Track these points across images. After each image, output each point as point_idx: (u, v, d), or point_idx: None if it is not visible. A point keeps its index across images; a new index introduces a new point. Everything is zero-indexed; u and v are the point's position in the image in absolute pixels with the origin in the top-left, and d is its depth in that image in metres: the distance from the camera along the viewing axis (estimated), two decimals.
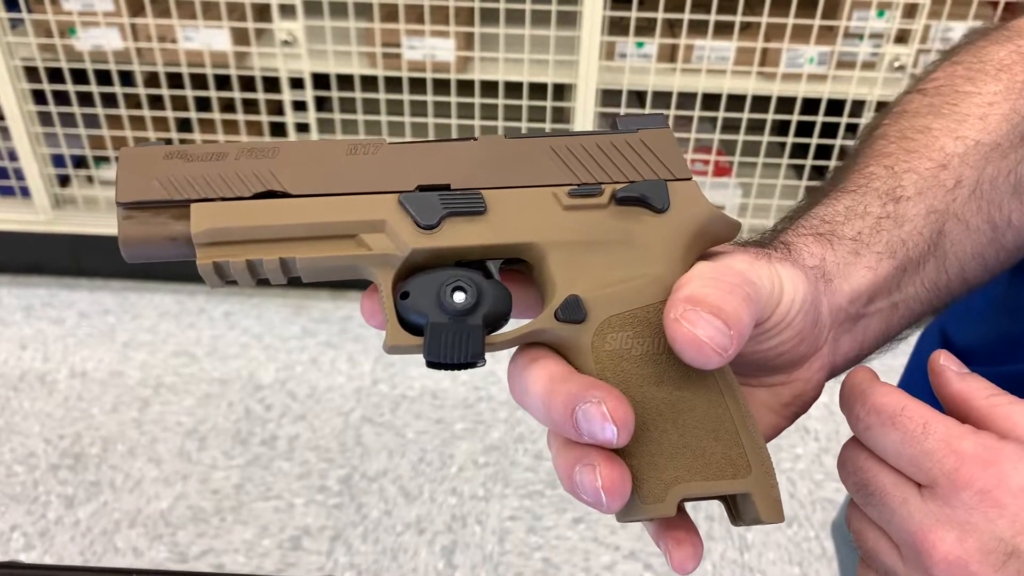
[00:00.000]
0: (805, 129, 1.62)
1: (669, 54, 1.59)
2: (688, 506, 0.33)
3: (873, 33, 1.52)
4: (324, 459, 1.51)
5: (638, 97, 1.65)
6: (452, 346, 0.31)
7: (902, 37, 1.53)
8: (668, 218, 0.33)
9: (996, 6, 1.50)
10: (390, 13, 1.55)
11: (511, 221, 0.32)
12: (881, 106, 1.56)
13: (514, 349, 0.33)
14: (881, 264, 0.38)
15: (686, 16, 1.48)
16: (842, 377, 0.36)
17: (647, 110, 1.57)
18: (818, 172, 1.69)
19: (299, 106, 1.63)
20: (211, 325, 1.80)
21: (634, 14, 1.49)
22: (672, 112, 1.58)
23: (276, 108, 1.67)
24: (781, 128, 1.72)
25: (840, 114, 1.57)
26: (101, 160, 1.73)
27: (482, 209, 0.32)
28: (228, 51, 1.56)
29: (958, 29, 1.52)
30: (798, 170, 1.75)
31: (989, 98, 0.42)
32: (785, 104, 1.58)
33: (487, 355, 0.31)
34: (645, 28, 1.56)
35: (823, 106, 1.57)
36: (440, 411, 1.62)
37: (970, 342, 0.53)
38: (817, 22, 1.48)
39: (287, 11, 1.52)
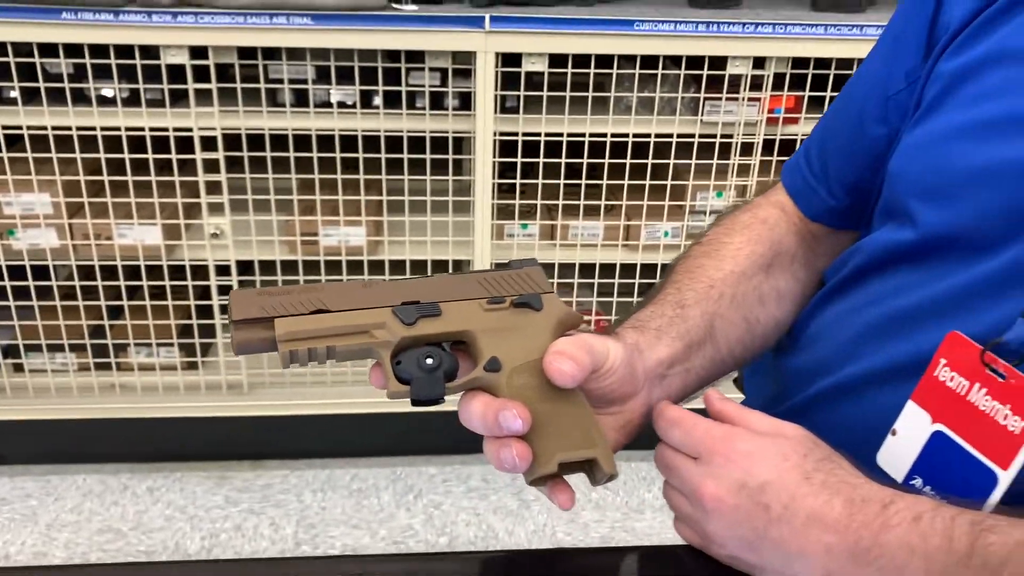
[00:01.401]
0: None
1: (550, 233, 1.89)
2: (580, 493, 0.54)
3: (713, 210, 1.87)
4: None
5: None
6: (426, 390, 0.52)
7: None
8: (543, 314, 0.57)
9: None
10: (308, 207, 1.80)
11: (456, 319, 0.55)
12: None
13: (461, 393, 0.55)
14: (674, 344, 0.62)
15: (560, 202, 1.80)
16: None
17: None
18: None
19: (225, 290, 1.82)
20: (135, 501, 1.88)
21: (518, 202, 1.80)
22: (555, 281, 1.86)
23: (203, 293, 1.86)
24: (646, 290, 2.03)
25: None
26: (32, 349, 1.86)
27: (439, 313, 0.55)
28: (160, 244, 1.77)
29: None
30: None
31: (738, 245, 0.69)
32: (648, 270, 1.89)
33: (446, 396, 0.53)
34: (528, 212, 1.87)
35: None
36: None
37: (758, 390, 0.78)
38: (667, 203, 1.82)
39: (216, 208, 1.75)
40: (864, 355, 0.58)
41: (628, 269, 1.88)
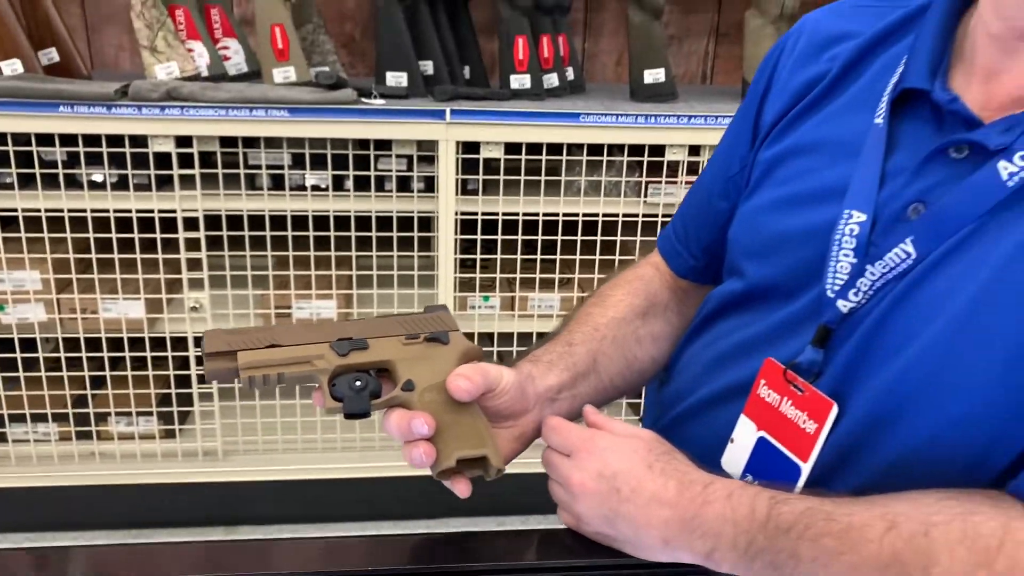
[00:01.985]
0: None
1: (510, 304, 2.04)
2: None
3: None
4: None
5: (489, 338, 2.07)
6: (355, 405, 0.66)
7: None
8: (450, 347, 0.71)
9: None
10: (283, 282, 1.95)
11: (380, 351, 0.69)
12: None
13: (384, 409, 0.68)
14: (562, 374, 0.76)
15: (518, 276, 1.96)
16: None
17: (495, 348, 1.99)
18: None
19: (203, 361, 1.95)
20: None
21: (479, 276, 1.95)
22: (515, 349, 2.00)
23: (182, 363, 1.98)
24: None
25: None
26: (15, 419, 1.97)
27: (367, 346, 0.69)
28: (143, 318, 1.90)
29: None
30: None
31: (619, 297, 0.85)
32: None
33: (371, 412, 0.67)
34: (489, 286, 2.02)
35: None
36: None
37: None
38: None
39: (196, 283, 1.90)
40: (709, 382, 0.73)
41: None
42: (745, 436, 0.68)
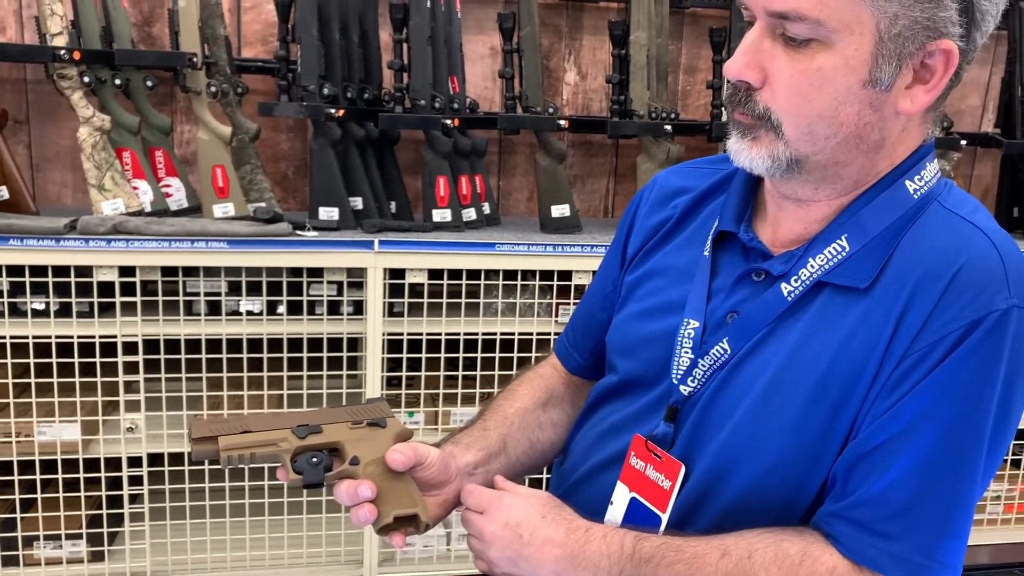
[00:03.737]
0: None
1: (434, 419, 2.21)
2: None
3: None
4: None
5: None
6: (312, 477, 0.84)
7: None
8: (387, 430, 0.89)
9: None
10: (216, 403, 2.08)
11: (332, 434, 0.87)
12: None
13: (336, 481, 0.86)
14: (478, 454, 0.96)
15: (442, 391, 2.14)
16: None
17: None
18: None
19: (135, 481, 2.05)
20: None
21: (404, 392, 2.13)
22: None
23: (113, 484, 2.07)
24: None
25: None
26: None
27: (321, 431, 0.87)
28: (78, 440, 2.00)
29: None
30: None
31: (524, 391, 1.07)
32: None
33: (325, 483, 0.85)
34: (414, 402, 2.20)
35: None
36: None
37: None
38: None
39: (132, 405, 2.02)
40: (593, 455, 0.93)
41: None
42: (621, 497, 0.88)
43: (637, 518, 0.86)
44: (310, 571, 2.14)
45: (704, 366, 0.84)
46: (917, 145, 0.82)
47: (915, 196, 0.81)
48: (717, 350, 0.83)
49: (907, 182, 0.81)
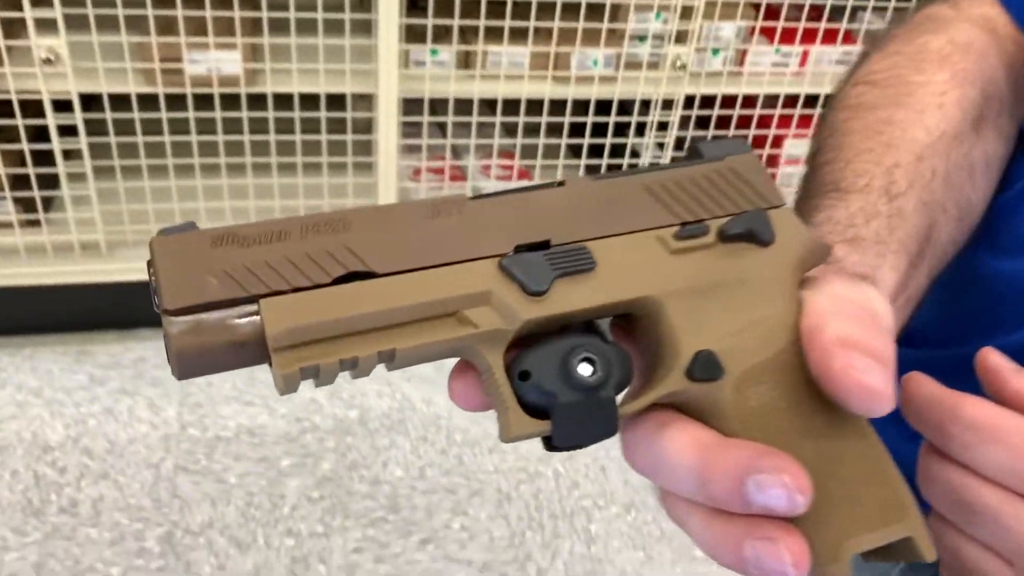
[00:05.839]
0: (598, 129, 1.77)
1: (465, 61, 1.67)
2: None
3: (655, 34, 1.69)
4: (138, 519, 1.44)
5: (442, 105, 1.71)
6: (588, 425, 0.29)
7: (680, 38, 1.71)
8: (775, 250, 0.32)
9: (759, 8, 1.71)
10: (167, 26, 1.50)
11: (623, 275, 0.31)
12: (668, 104, 1.74)
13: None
14: (899, 262, 0.40)
15: (482, 22, 1.57)
16: None
17: (451, 117, 1.64)
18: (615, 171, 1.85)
19: (67, 131, 1.53)
20: None
21: (431, 21, 1.56)
22: (474, 119, 1.66)
23: (39, 134, 1.56)
24: (576, 130, 1.85)
25: (630, 114, 1.73)
26: None
27: (591, 265, 0.30)
28: None
29: (727, 28, 1.72)
30: (595, 170, 1.90)
31: (940, 87, 0.46)
32: (580, 107, 1.71)
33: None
34: (442, 35, 1.63)
35: (615, 107, 1.72)
36: (262, 449, 1.59)
37: (917, 325, 0.48)
38: (605, 25, 1.62)
39: (45, 25, 1.43)
40: None
41: (558, 106, 1.69)
42: None
43: None
44: None
45: None
46: None
47: None
48: None
49: None
